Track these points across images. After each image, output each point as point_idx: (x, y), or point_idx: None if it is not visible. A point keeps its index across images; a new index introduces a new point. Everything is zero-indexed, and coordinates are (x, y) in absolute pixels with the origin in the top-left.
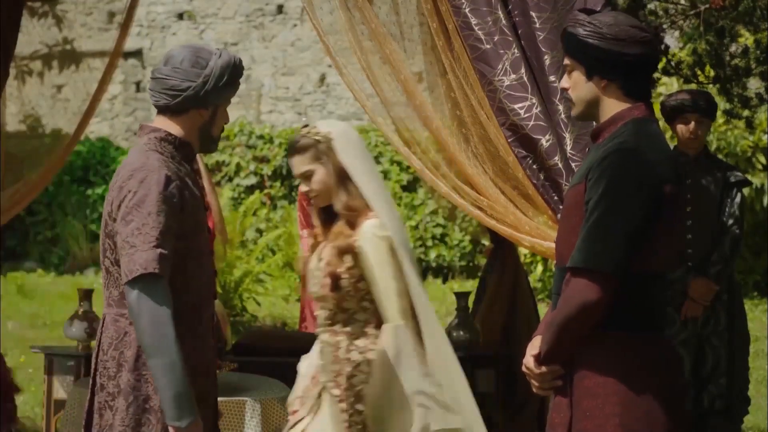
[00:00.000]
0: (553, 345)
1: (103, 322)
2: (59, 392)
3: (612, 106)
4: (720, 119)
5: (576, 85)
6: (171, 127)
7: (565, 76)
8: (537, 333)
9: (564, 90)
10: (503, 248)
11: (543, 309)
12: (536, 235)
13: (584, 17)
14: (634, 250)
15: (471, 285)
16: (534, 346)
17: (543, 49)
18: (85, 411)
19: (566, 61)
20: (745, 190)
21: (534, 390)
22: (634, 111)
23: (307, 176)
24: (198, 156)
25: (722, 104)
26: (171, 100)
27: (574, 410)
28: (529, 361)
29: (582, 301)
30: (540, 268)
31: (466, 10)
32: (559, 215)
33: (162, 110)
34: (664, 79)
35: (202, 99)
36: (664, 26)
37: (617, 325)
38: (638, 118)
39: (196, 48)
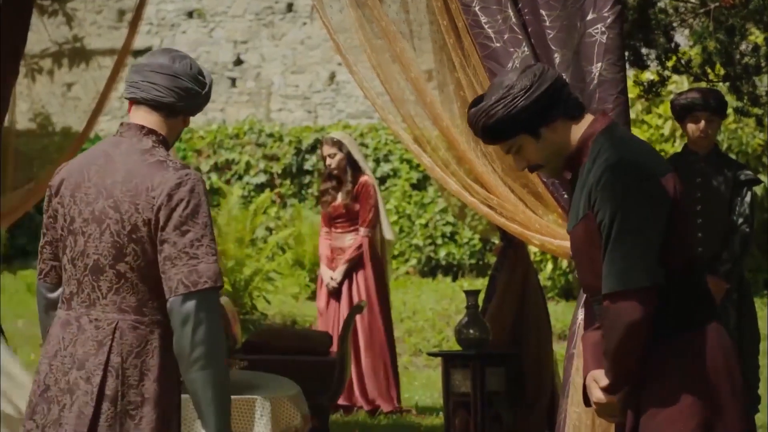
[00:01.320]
0: (616, 374)
1: (116, 328)
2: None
3: (572, 136)
4: (730, 117)
5: (533, 152)
6: (161, 128)
7: (515, 160)
8: (587, 367)
9: (527, 168)
10: (513, 246)
11: (552, 307)
12: (546, 233)
13: (486, 104)
14: (665, 251)
15: (481, 283)
16: (599, 380)
17: (553, 48)
18: (88, 418)
19: (506, 148)
20: (756, 189)
21: (613, 422)
22: (595, 126)
23: None
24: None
25: (732, 102)
26: (177, 100)
27: (647, 422)
28: (601, 396)
29: (627, 323)
30: (550, 266)
31: (476, 9)
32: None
33: (156, 107)
34: (674, 77)
35: (196, 108)
36: (674, 24)
37: (670, 329)
38: (603, 129)
39: (189, 57)
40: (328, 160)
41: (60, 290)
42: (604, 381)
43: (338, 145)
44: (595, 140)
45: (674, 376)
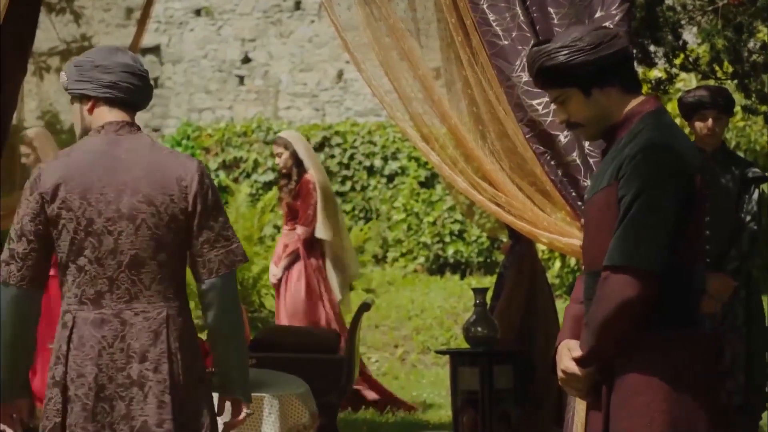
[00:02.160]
0: (594, 346)
1: (167, 317)
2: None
3: (620, 108)
4: (738, 115)
5: (579, 109)
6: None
7: (557, 111)
8: (563, 336)
9: (565, 122)
10: (521, 244)
11: (561, 305)
12: (554, 231)
13: (551, 46)
14: (674, 245)
15: (489, 281)
16: (572, 350)
17: None
18: (169, 406)
19: (555, 93)
20: (764, 186)
21: (574, 395)
22: (645, 105)
23: None
24: None
25: (740, 100)
26: (146, 98)
27: (616, 409)
28: (571, 365)
29: (621, 299)
30: (558, 264)
31: (484, 6)
32: (577, 212)
33: (130, 106)
34: (682, 75)
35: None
36: (682, 22)
37: (659, 322)
38: (652, 111)
39: None
40: (277, 159)
41: (40, 294)
42: (577, 352)
43: (285, 144)
44: (641, 119)
45: (656, 375)
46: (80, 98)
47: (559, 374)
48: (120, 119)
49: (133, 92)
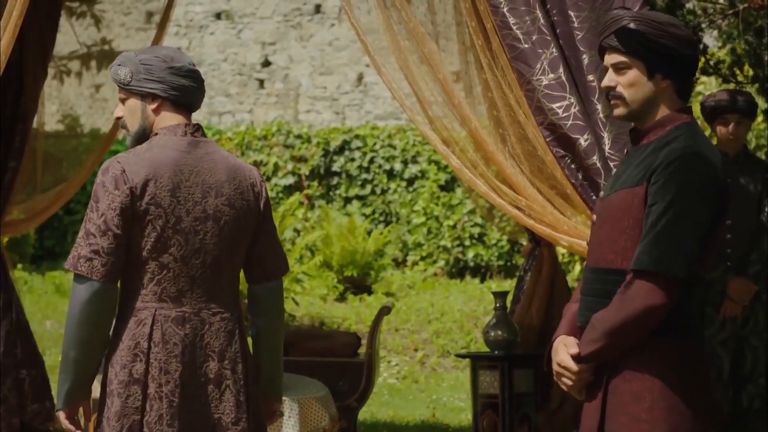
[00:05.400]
0: (605, 346)
1: (238, 318)
2: (96, 391)
3: (664, 108)
4: (759, 117)
5: (634, 83)
6: None
7: (611, 75)
8: (559, 332)
9: (610, 89)
10: (541, 248)
11: None
12: (574, 234)
13: (646, 15)
14: (701, 256)
15: (509, 285)
16: (570, 345)
17: (581, 49)
18: (245, 404)
19: (620, 58)
20: None
21: (567, 390)
22: (682, 115)
23: None
24: None
25: (761, 104)
26: (201, 103)
27: (615, 415)
28: (566, 359)
29: (647, 304)
30: (578, 267)
31: (505, 10)
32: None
33: (192, 110)
34: (703, 78)
35: None
36: (703, 26)
37: (666, 330)
38: (689, 122)
39: None
40: None
41: (117, 291)
42: (574, 348)
43: None
44: (677, 127)
45: (658, 382)
46: (144, 96)
47: (555, 368)
48: (187, 121)
49: (197, 96)
